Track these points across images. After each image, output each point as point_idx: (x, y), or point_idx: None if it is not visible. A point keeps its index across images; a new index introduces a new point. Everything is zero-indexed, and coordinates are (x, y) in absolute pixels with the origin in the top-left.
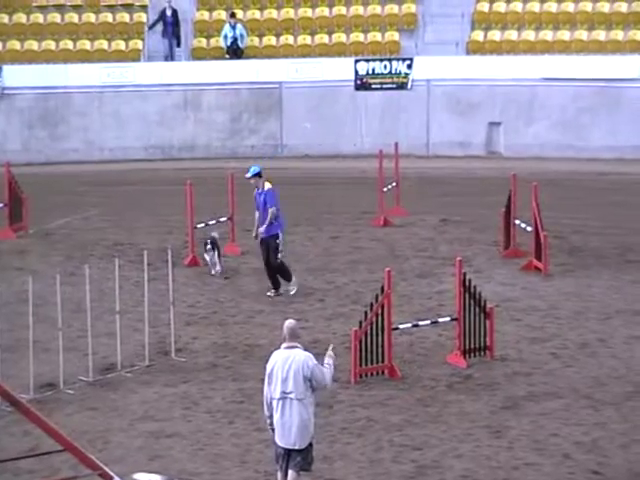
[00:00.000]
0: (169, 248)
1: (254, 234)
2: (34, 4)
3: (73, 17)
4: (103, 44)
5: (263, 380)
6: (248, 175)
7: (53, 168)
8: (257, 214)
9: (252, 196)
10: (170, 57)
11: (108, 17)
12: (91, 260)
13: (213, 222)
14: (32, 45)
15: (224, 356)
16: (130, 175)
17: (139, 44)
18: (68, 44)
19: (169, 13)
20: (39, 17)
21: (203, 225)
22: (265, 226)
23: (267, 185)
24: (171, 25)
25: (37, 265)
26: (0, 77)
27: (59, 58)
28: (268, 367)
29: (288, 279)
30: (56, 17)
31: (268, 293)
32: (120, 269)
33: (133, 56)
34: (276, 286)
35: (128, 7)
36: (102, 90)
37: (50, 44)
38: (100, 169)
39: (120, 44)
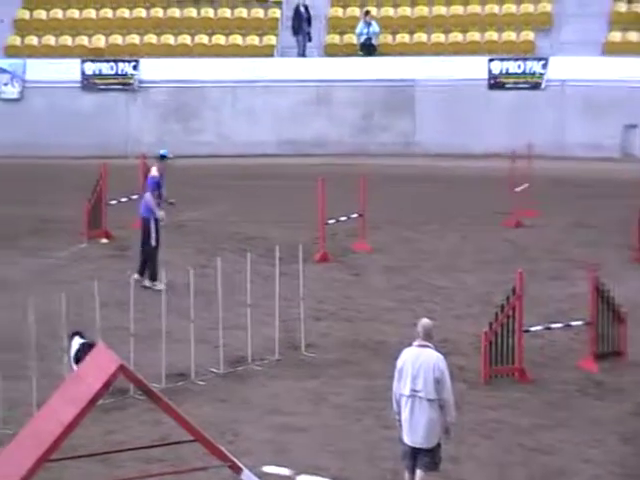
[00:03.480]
0: (300, 243)
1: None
2: None
3: (209, 12)
4: (237, 39)
5: (392, 378)
6: (170, 155)
7: (186, 161)
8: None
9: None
10: (302, 53)
11: (243, 13)
12: (222, 253)
13: (344, 218)
14: (168, 39)
15: (353, 352)
16: (262, 170)
17: (273, 40)
18: (203, 39)
19: (302, 9)
20: (175, 12)
21: (334, 221)
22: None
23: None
24: (305, 21)
25: (169, 256)
26: (137, 70)
27: (194, 52)
28: (398, 363)
29: (153, 278)
30: (192, 12)
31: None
32: (251, 263)
33: (266, 51)
34: (141, 272)
35: (263, 3)
36: (236, 85)
37: (186, 38)
38: (232, 163)
39: (254, 39)
